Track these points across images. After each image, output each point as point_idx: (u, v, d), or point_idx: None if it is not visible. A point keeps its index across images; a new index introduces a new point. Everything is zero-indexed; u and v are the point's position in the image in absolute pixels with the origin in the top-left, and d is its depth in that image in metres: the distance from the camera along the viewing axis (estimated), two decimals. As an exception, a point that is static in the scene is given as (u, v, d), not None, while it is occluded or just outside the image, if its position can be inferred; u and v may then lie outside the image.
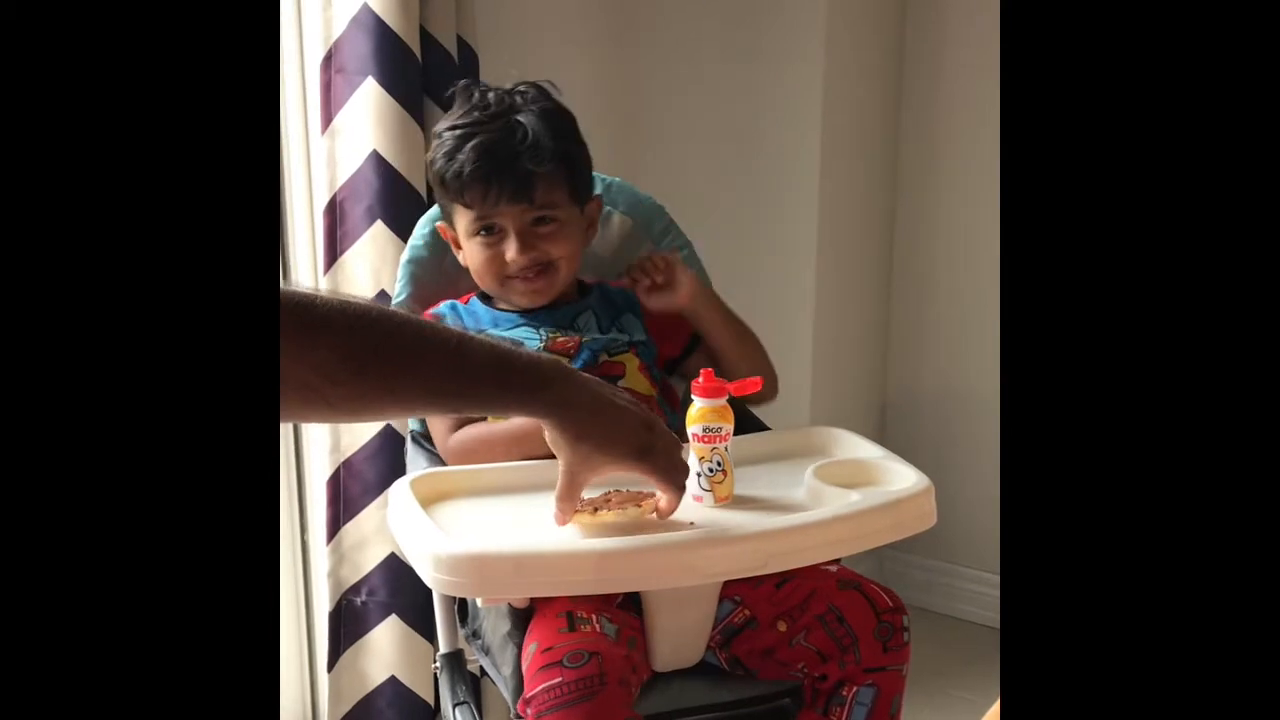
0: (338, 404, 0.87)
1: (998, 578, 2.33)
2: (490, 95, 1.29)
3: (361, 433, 1.61)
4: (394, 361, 0.88)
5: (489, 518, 1.11)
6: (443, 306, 1.35)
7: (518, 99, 1.28)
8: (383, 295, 1.54)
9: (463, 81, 1.35)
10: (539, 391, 0.96)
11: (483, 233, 1.28)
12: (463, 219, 1.30)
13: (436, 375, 0.91)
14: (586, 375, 1.01)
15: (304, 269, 1.65)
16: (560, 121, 1.29)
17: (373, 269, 1.57)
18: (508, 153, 1.24)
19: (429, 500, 1.12)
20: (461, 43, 1.64)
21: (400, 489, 1.11)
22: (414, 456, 1.33)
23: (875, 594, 1.16)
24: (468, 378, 0.93)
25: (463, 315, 1.34)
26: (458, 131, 1.27)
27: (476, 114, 1.27)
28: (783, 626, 1.17)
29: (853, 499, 1.07)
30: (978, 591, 2.39)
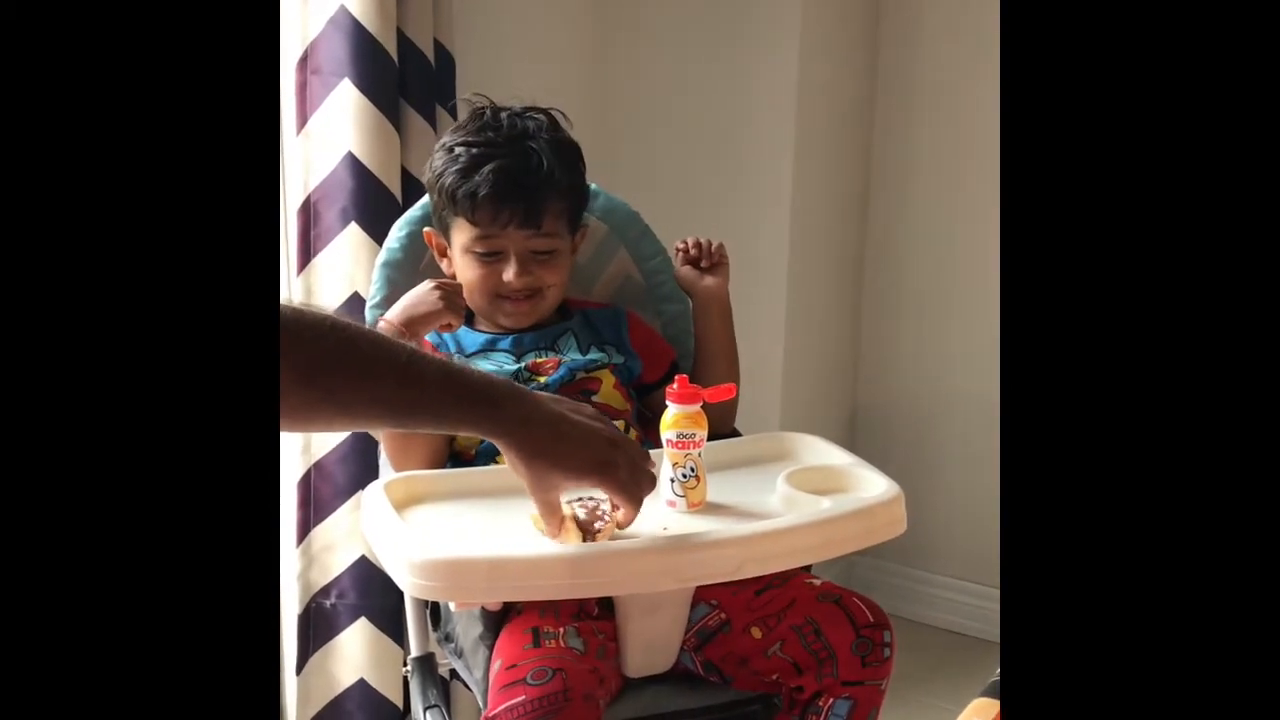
0: (285, 413, 0.86)
1: (967, 584, 2.36)
2: (502, 116, 1.30)
3: (333, 435, 1.61)
4: (343, 375, 0.88)
5: (463, 522, 1.11)
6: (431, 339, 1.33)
7: (530, 125, 1.30)
8: (356, 298, 1.54)
9: (472, 95, 1.36)
10: (491, 409, 0.95)
11: (482, 251, 1.30)
12: (463, 234, 1.30)
13: (387, 390, 0.91)
14: (543, 394, 1.00)
15: (277, 270, 1.64)
16: (570, 154, 1.32)
17: (346, 271, 1.56)
18: (524, 180, 1.26)
19: (403, 504, 1.12)
20: (438, 46, 1.65)
21: (374, 492, 1.11)
22: (387, 460, 1.33)
23: (856, 608, 1.17)
24: (419, 394, 0.93)
25: (444, 335, 1.34)
26: (473, 150, 1.27)
27: (490, 134, 1.29)
28: (757, 633, 1.17)
29: (824, 506, 1.08)
30: (947, 598, 2.40)
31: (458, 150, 1.28)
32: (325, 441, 1.60)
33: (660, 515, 1.10)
